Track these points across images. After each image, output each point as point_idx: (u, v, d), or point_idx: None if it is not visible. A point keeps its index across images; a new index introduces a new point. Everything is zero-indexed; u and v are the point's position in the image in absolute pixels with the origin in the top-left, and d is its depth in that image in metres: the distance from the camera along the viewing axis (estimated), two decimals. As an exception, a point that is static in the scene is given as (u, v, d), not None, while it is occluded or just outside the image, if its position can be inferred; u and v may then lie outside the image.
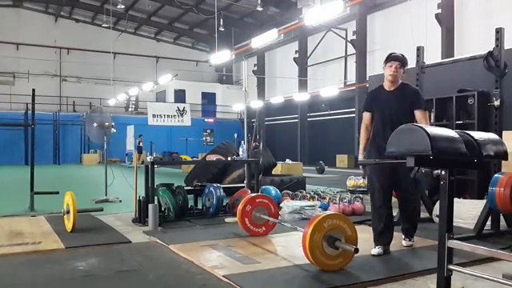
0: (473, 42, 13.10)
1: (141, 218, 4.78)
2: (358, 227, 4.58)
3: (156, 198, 4.82)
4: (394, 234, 3.65)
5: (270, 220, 4.02)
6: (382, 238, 3.52)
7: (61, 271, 3.11)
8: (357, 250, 2.92)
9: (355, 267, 3.17)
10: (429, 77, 5.33)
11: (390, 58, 3.47)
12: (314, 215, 5.05)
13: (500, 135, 3.93)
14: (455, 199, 2.58)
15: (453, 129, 2.71)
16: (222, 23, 19.39)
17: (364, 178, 6.29)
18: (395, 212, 3.76)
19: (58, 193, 5.80)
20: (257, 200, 4.11)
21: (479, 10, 13.48)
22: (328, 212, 3.13)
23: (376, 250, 3.46)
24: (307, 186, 7.45)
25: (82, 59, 23.88)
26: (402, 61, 3.46)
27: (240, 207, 4.06)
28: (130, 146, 18.30)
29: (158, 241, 3.96)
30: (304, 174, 10.49)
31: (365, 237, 4.15)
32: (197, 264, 3.21)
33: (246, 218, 4.04)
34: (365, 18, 17.44)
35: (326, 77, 19.84)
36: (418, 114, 3.39)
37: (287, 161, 12.56)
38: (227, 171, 7.88)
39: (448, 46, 13.67)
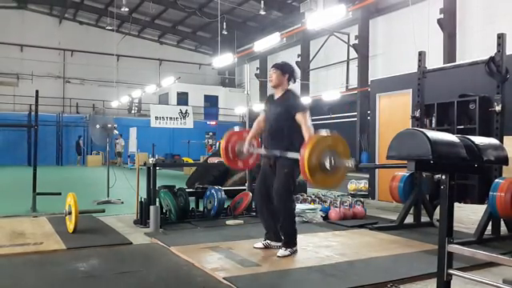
0: (474, 48, 13.10)
1: (142, 220, 4.79)
2: (359, 231, 4.64)
3: (157, 199, 4.84)
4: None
5: (254, 152, 3.78)
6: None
7: (62, 272, 3.12)
8: (356, 166, 2.95)
9: (355, 271, 3.18)
10: (430, 82, 5.35)
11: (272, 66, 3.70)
12: (315, 218, 5.09)
13: (501, 140, 3.94)
14: (456, 204, 2.59)
15: (454, 134, 2.72)
16: (225, 27, 19.46)
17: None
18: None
19: (60, 194, 5.82)
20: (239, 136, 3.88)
21: (481, 15, 13.50)
22: (321, 134, 3.07)
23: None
24: (308, 189, 7.45)
25: (85, 61, 23.97)
26: (278, 67, 3.63)
27: (223, 143, 3.84)
28: (133, 147, 18.35)
29: (159, 242, 3.98)
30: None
31: (366, 240, 4.16)
32: (197, 266, 3.22)
33: (229, 152, 3.81)
34: (367, 23, 17.47)
35: (328, 81, 19.85)
36: (297, 117, 3.42)
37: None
38: (228, 174, 7.90)
39: (450, 51, 13.67)
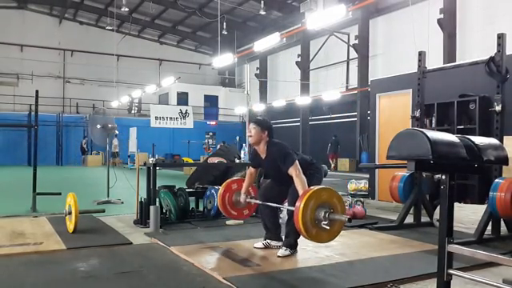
0: (474, 48, 13.11)
1: (142, 220, 4.79)
2: (359, 231, 4.64)
3: (157, 199, 4.84)
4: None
5: (252, 202, 3.88)
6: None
7: (62, 272, 3.12)
8: (350, 220, 2.92)
9: (355, 271, 3.18)
10: (430, 82, 5.35)
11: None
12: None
13: (501, 140, 3.95)
14: (456, 204, 2.59)
15: (454, 133, 2.72)
16: (225, 26, 19.47)
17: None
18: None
19: (60, 194, 5.82)
20: (232, 186, 3.97)
21: (481, 15, 13.50)
22: (315, 187, 3.04)
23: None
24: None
25: (85, 61, 23.98)
26: (258, 123, 3.59)
27: (220, 191, 3.93)
28: (133, 147, 18.35)
29: (159, 242, 3.98)
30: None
31: (366, 240, 4.16)
32: (197, 266, 3.22)
33: (227, 205, 3.93)
34: (367, 23, 17.48)
35: (328, 81, 19.86)
36: (289, 172, 3.36)
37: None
38: (228, 174, 7.89)
39: (450, 51, 13.67)
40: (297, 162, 3.39)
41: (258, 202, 3.79)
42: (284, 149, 3.51)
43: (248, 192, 3.88)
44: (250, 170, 3.88)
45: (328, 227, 2.92)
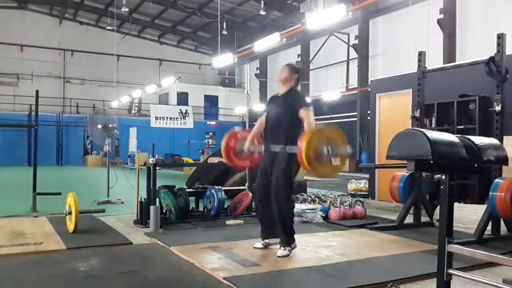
0: (474, 48, 13.11)
1: (142, 220, 4.80)
2: (359, 231, 4.64)
3: (158, 199, 4.84)
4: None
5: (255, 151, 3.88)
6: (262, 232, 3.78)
7: (62, 272, 3.12)
8: (353, 153, 3.02)
9: (355, 271, 3.18)
10: (430, 82, 5.35)
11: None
12: (315, 218, 5.09)
13: (501, 140, 3.94)
14: (456, 204, 2.60)
15: (454, 133, 2.72)
16: (225, 27, 19.47)
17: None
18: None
19: (60, 194, 5.82)
20: (239, 135, 3.99)
21: (481, 15, 13.50)
22: (318, 127, 3.25)
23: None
24: (308, 189, 7.47)
25: (85, 61, 23.97)
26: (290, 65, 3.84)
27: (224, 144, 3.92)
28: (133, 147, 18.36)
29: (159, 242, 3.98)
30: (305, 177, 10.48)
31: (366, 240, 4.16)
32: (197, 266, 3.23)
33: (230, 152, 3.93)
34: (367, 23, 17.48)
35: (328, 81, 19.87)
36: (301, 112, 3.50)
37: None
38: (228, 174, 7.90)
39: (450, 51, 13.68)
40: (312, 108, 3.55)
41: (261, 149, 3.79)
42: (303, 95, 3.80)
43: (252, 142, 3.84)
44: (261, 119, 3.84)
45: (331, 161, 3.06)
